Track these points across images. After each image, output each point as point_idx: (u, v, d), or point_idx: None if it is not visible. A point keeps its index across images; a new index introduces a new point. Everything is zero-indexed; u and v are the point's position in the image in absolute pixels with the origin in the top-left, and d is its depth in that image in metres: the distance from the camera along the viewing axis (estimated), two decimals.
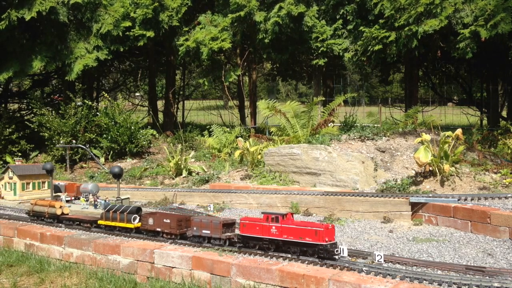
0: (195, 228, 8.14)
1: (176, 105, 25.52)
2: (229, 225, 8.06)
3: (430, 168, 11.04)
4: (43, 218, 10.42)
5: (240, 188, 12.29)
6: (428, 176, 11.04)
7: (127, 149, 17.94)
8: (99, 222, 9.52)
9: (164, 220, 8.51)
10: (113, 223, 9.21)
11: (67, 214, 10.20)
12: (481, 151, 12.97)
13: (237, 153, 14.47)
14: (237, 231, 8.10)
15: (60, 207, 10.18)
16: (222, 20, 19.13)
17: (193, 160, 16.05)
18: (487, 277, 6.24)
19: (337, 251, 7.01)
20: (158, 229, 8.62)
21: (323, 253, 6.93)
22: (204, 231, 8.04)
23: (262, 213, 7.72)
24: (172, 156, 15.16)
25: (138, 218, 8.92)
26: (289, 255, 7.35)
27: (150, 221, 8.72)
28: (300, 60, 22.70)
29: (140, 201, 13.03)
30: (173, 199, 12.68)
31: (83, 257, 8.92)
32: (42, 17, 17.12)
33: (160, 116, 24.96)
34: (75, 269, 8.63)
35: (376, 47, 17.20)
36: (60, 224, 10.16)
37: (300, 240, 7.11)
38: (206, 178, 13.66)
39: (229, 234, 7.97)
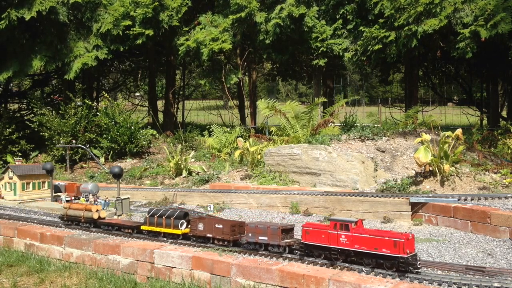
0: (250, 234, 7.68)
1: (176, 105, 25.52)
2: (287, 230, 7.60)
3: (430, 168, 11.04)
4: (78, 222, 9.90)
5: (240, 188, 12.29)
6: (428, 176, 11.04)
7: (127, 149, 17.93)
8: (142, 227, 8.98)
9: (216, 226, 8.05)
10: (157, 229, 8.71)
11: (104, 219, 9.73)
12: (481, 151, 12.97)
13: (237, 153, 14.47)
14: (296, 237, 7.72)
15: (97, 210, 9.69)
16: (223, 20, 19.13)
17: (193, 160, 16.05)
18: (487, 277, 6.24)
19: (419, 264, 6.44)
20: (209, 235, 8.15)
21: (404, 266, 6.33)
22: (260, 238, 7.57)
23: (329, 219, 7.22)
24: (172, 156, 15.16)
25: (185, 223, 8.52)
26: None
27: (200, 226, 8.24)
28: (300, 60, 22.70)
29: (140, 201, 13.03)
30: (173, 199, 12.68)
31: (83, 257, 8.92)
32: (42, 16, 17.12)
33: (160, 116, 24.96)
34: (75, 269, 8.63)
35: (376, 47, 17.20)
36: (98, 229, 9.63)
37: (375, 251, 6.52)
38: (206, 178, 13.66)
39: (288, 240, 7.49)
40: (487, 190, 10.26)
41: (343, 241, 6.83)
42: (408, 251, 6.33)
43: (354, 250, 6.74)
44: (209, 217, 8.90)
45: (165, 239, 8.59)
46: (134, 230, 9.09)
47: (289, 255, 7.37)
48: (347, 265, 6.82)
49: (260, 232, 7.58)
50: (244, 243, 7.85)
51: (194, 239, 8.37)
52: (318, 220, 10.00)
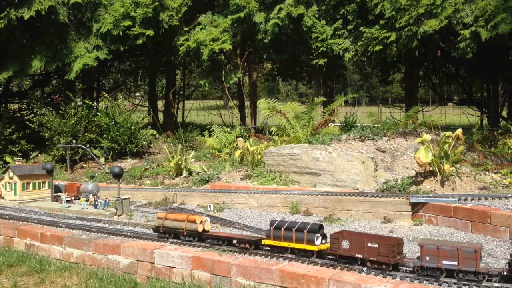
0: (427, 258, 6.22)
1: (176, 105, 25.53)
2: (479, 251, 6.08)
3: (431, 168, 11.03)
4: (179, 235, 8.58)
5: (240, 188, 12.29)
6: (428, 176, 11.04)
7: (127, 149, 17.94)
8: (264, 242, 7.68)
9: (369, 245, 6.62)
10: (285, 244, 7.41)
11: (208, 231, 8.52)
12: (481, 151, 12.97)
13: (237, 153, 14.47)
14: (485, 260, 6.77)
15: (201, 222, 8.44)
16: (223, 20, 19.13)
17: (193, 160, 16.04)
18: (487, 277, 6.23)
19: None
20: (358, 256, 6.71)
21: None
22: (446, 262, 6.13)
23: None
24: (172, 156, 15.16)
25: (320, 237, 7.28)
26: (289, 255, 7.25)
27: (345, 244, 6.83)
28: (300, 60, 22.72)
29: (140, 201, 13.04)
30: (173, 199, 12.68)
31: (83, 257, 8.92)
32: (42, 16, 17.12)
33: (160, 116, 24.97)
34: (75, 269, 8.63)
35: (377, 48, 17.20)
36: (201, 243, 8.35)
37: None
38: (206, 178, 13.66)
39: (483, 265, 6.09)
40: (488, 190, 10.26)
41: None
42: None
43: None
44: (357, 233, 7.41)
45: (291, 255, 7.36)
46: (252, 245, 7.85)
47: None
48: (347, 265, 6.77)
49: (446, 255, 6.15)
50: (416, 267, 6.36)
51: (333, 258, 7.04)
52: (318, 220, 10.00)
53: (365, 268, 6.65)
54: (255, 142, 15.35)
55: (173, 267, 7.85)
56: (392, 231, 9.12)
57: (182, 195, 12.72)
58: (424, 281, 6.21)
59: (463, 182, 10.67)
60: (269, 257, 7.44)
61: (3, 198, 13.46)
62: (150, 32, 18.78)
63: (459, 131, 11.05)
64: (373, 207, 10.07)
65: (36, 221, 10.80)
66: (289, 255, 7.34)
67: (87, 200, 12.14)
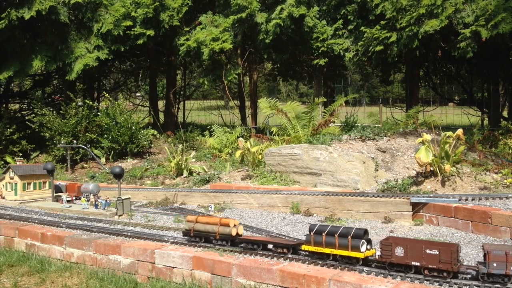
0: (495, 264, 5.91)
1: (177, 105, 25.54)
2: None
3: (431, 168, 11.03)
4: (211, 239, 8.31)
5: (241, 188, 12.29)
6: (429, 176, 11.03)
7: (128, 149, 17.94)
8: (304, 247, 7.32)
9: (428, 251, 6.28)
10: (327, 250, 7.04)
11: (241, 235, 8.22)
12: (482, 151, 12.96)
13: (238, 153, 14.47)
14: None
15: (234, 226, 8.13)
16: (224, 20, 19.14)
17: (194, 160, 16.05)
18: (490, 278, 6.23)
19: None
20: (415, 263, 6.35)
21: None
22: None
23: None
24: (173, 156, 15.17)
25: (365, 243, 6.91)
26: (289, 255, 7.28)
27: (399, 251, 6.45)
28: (301, 60, 22.70)
29: (141, 201, 13.04)
30: (174, 199, 12.69)
31: (84, 257, 8.93)
32: (43, 16, 17.13)
33: (161, 116, 24.98)
34: (76, 269, 8.64)
35: (377, 48, 17.19)
36: (235, 248, 8.05)
37: None
38: (207, 178, 13.66)
39: None
40: (488, 190, 10.25)
41: None
42: None
43: None
44: (411, 239, 7.07)
45: (334, 262, 7.00)
46: (290, 250, 7.52)
47: None
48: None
49: None
50: (484, 273, 5.98)
51: (387, 266, 6.59)
52: (319, 220, 10.00)
53: (365, 269, 6.63)
54: (256, 142, 15.35)
55: (173, 267, 7.85)
56: (392, 231, 9.12)
57: (182, 195, 12.72)
58: (425, 281, 6.20)
59: (463, 182, 10.66)
60: (270, 257, 7.44)
61: (4, 198, 13.47)
62: (150, 32, 18.79)
63: (459, 131, 11.04)
64: (374, 207, 10.07)
65: (36, 221, 10.80)
66: (332, 262, 7.01)
67: (88, 200, 12.15)
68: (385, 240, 6.69)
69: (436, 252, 6.21)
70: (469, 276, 6.27)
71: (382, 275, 6.46)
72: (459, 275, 6.24)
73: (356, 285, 6.15)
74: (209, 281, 7.45)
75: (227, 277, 7.27)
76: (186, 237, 8.62)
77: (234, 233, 8.07)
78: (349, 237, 6.86)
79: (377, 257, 6.72)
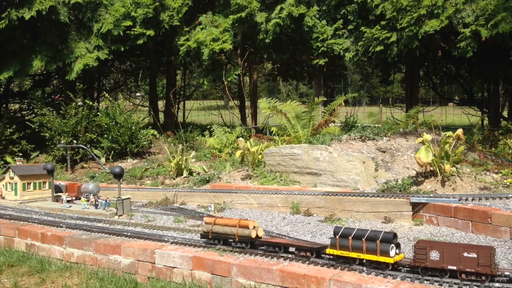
0: None
1: (176, 105, 25.54)
2: None
3: (431, 168, 11.03)
4: (229, 242, 8.03)
5: (241, 188, 12.29)
6: (429, 176, 11.03)
7: (128, 149, 17.94)
8: (329, 251, 7.06)
9: (465, 255, 6.04)
10: (354, 254, 6.78)
11: (261, 237, 7.94)
12: (482, 151, 12.96)
13: (237, 153, 14.47)
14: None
15: (254, 227, 7.86)
16: (223, 20, 19.14)
17: (193, 160, 16.05)
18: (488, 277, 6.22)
19: None
20: (451, 267, 6.11)
21: None
22: None
23: None
24: (173, 156, 15.17)
25: (394, 248, 6.62)
26: (290, 255, 7.30)
27: (434, 255, 6.23)
28: (301, 60, 22.71)
29: (141, 201, 13.04)
30: (174, 199, 12.69)
31: (84, 257, 8.93)
32: (43, 16, 17.14)
33: (161, 116, 24.98)
34: (76, 269, 8.64)
35: (377, 48, 17.20)
36: (254, 250, 7.75)
37: None
38: (207, 178, 13.66)
39: None
40: (488, 190, 10.25)
41: None
42: None
43: None
44: (446, 243, 6.75)
45: (360, 267, 6.75)
46: (313, 253, 7.27)
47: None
48: (347, 265, 6.74)
49: None
50: None
51: (420, 271, 6.36)
52: (318, 220, 10.00)
53: (365, 269, 6.64)
54: (256, 142, 15.35)
55: (173, 267, 7.85)
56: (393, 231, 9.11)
57: (182, 195, 12.72)
58: (425, 281, 6.21)
59: (463, 182, 10.66)
60: (269, 257, 7.44)
61: (3, 198, 13.47)
62: (150, 32, 18.79)
63: (459, 131, 11.04)
64: (374, 207, 10.07)
65: (36, 221, 10.80)
66: (358, 266, 6.78)
67: (88, 200, 12.14)
68: (417, 244, 6.45)
69: (475, 255, 5.99)
70: (506, 278, 6.06)
71: (382, 275, 6.45)
72: (495, 278, 6.06)
73: (356, 285, 6.15)
74: (209, 281, 7.45)
75: (227, 277, 7.27)
76: (204, 240, 8.35)
77: (253, 235, 7.81)
78: (377, 241, 6.61)
79: (410, 261, 6.54)
